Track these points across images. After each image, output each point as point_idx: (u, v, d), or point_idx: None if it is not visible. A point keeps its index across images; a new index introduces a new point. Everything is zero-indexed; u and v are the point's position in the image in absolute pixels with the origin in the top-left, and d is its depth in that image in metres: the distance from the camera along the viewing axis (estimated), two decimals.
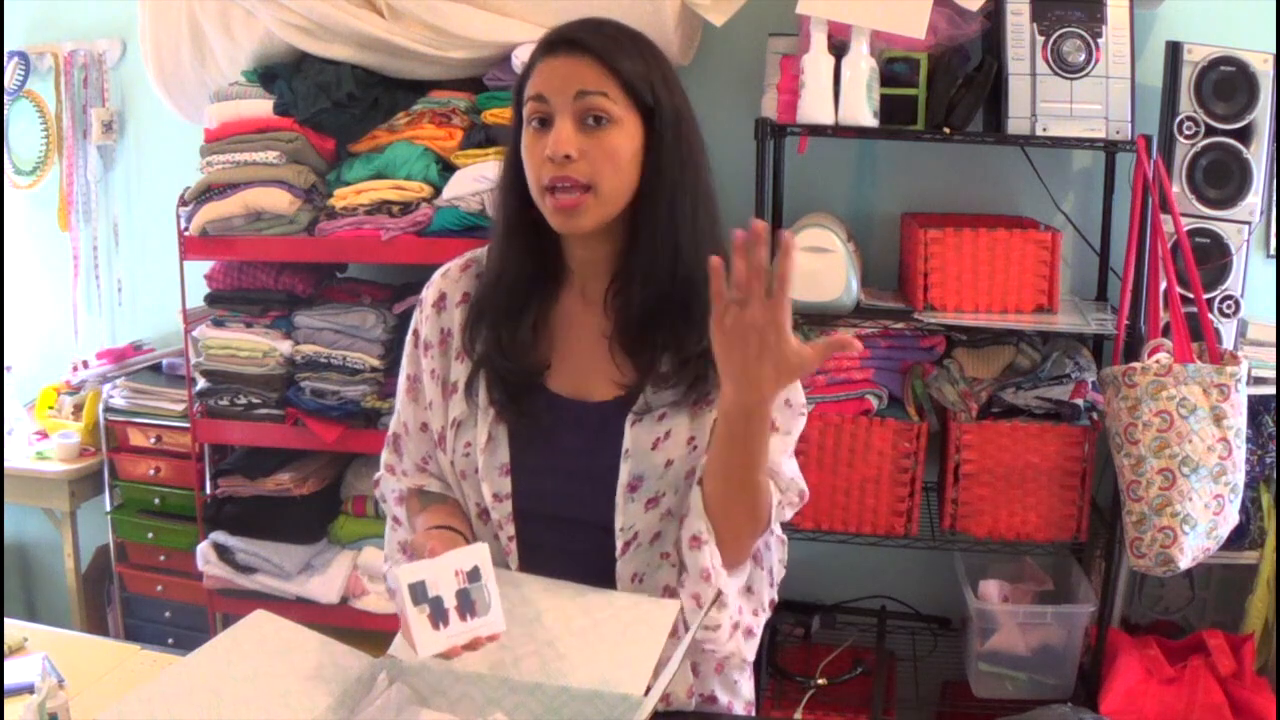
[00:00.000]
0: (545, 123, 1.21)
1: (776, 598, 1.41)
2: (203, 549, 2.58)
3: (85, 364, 2.95)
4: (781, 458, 1.28)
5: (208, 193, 2.44)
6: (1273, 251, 2.42)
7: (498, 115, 2.33)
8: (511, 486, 1.30)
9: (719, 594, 1.25)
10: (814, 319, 2.24)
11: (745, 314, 1.06)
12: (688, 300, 1.26)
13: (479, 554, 1.14)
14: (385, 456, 1.43)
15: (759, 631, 1.36)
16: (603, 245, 1.28)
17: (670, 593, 1.29)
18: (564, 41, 1.23)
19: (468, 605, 1.12)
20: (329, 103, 2.35)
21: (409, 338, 1.39)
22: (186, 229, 2.47)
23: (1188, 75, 2.22)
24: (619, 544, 1.28)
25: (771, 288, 1.05)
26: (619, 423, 1.27)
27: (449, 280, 1.37)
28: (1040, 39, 2.16)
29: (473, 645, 1.12)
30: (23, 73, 3.04)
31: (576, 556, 1.28)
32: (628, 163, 1.22)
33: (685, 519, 1.24)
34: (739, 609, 1.31)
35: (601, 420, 1.29)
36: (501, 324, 1.29)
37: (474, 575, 1.13)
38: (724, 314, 1.08)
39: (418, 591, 1.10)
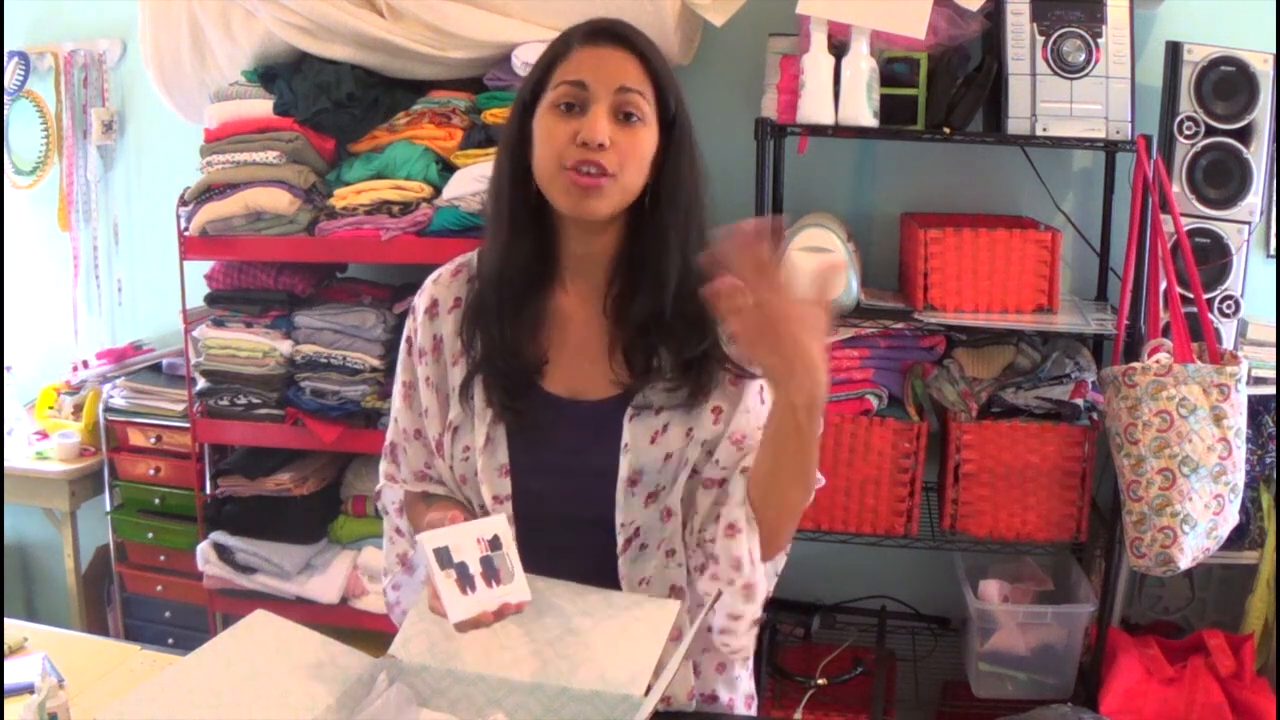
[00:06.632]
0: (573, 108, 1.22)
1: (772, 590, 1.42)
2: (203, 549, 2.58)
3: (85, 364, 2.95)
4: None
5: (208, 193, 2.44)
6: (1273, 251, 2.42)
7: (498, 115, 2.32)
8: (511, 488, 1.30)
9: (719, 594, 1.25)
10: None
11: (773, 310, 1.04)
12: (689, 305, 1.27)
13: (499, 524, 1.14)
14: (384, 467, 1.43)
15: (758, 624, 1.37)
16: (601, 240, 1.29)
17: (677, 593, 1.29)
18: (611, 34, 1.25)
19: (492, 572, 1.11)
20: (329, 103, 2.35)
21: (403, 345, 1.39)
22: (186, 229, 2.47)
23: (1188, 75, 2.22)
24: (619, 540, 1.28)
25: (778, 278, 1.04)
26: (617, 419, 1.28)
27: (440, 286, 1.37)
28: (1040, 39, 2.16)
29: (501, 612, 1.12)
30: (23, 73, 3.04)
31: (577, 555, 1.28)
32: (646, 163, 1.25)
33: (723, 508, 1.24)
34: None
35: (599, 418, 1.29)
36: (500, 321, 1.29)
37: (495, 544, 1.12)
38: (750, 324, 1.06)
39: (443, 556, 1.09)
